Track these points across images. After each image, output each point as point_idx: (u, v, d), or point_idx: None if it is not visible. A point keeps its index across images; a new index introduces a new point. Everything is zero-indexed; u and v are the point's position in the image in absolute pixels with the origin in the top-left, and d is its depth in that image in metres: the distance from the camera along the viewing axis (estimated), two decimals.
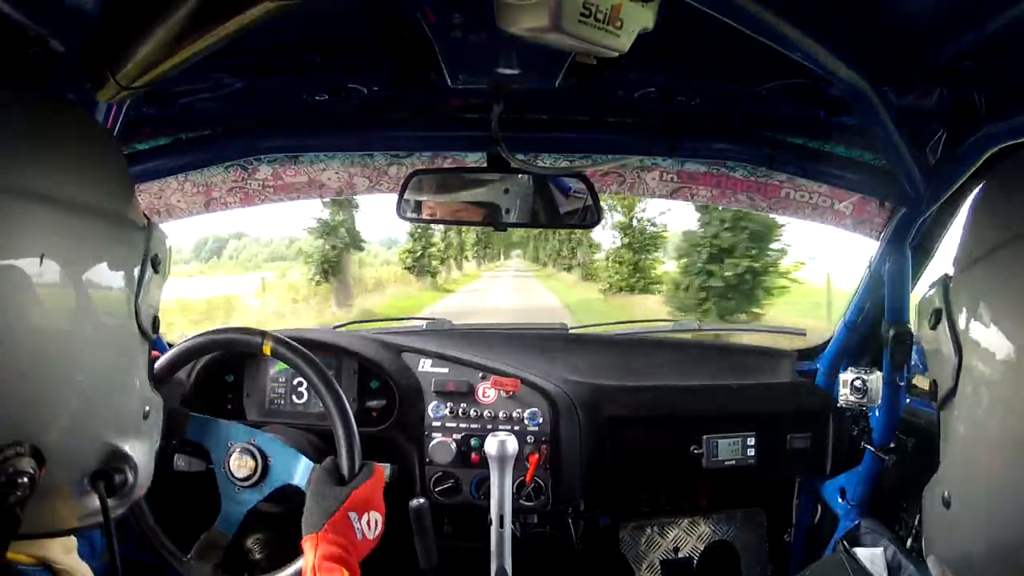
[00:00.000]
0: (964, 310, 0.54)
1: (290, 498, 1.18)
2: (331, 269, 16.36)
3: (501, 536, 1.20)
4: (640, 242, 17.99)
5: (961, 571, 0.56)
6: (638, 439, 1.51)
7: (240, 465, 1.16)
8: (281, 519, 1.23)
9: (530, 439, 1.41)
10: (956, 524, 0.56)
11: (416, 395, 1.45)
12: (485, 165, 1.29)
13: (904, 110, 0.92)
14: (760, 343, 1.90)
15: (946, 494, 0.56)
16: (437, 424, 1.44)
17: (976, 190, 0.61)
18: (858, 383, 1.45)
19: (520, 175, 1.25)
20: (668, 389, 1.59)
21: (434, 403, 1.44)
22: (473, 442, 1.42)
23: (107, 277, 0.58)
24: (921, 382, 1.44)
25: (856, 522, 1.48)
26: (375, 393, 1.49)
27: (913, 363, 1.35)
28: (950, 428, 0.56)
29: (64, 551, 0.63)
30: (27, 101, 0.57)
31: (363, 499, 1.02)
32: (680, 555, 1.69)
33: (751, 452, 1.53)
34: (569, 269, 30.22)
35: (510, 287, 26.24)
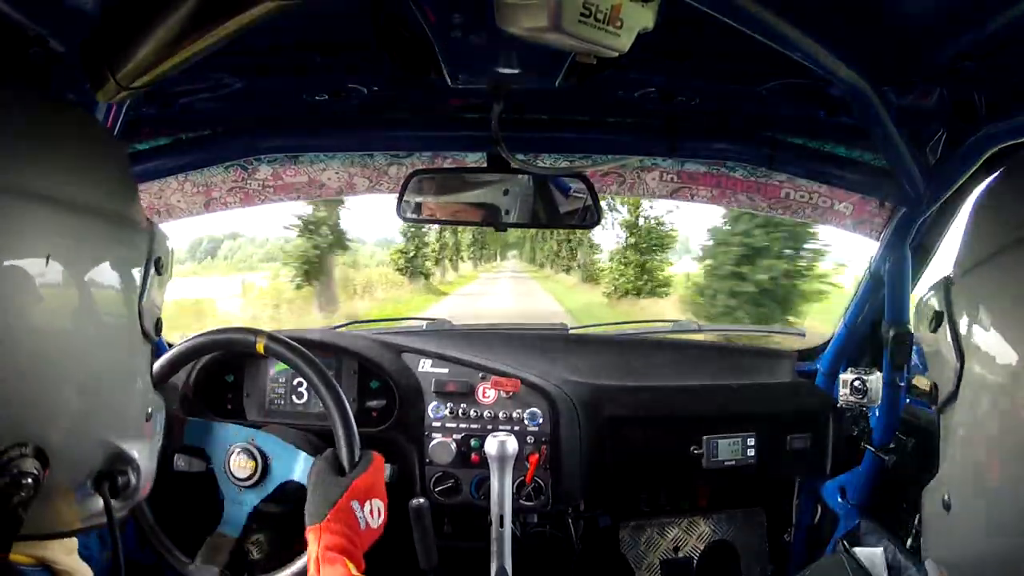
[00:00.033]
0: (966, 314, 0.54)
1: (290, 498, 1.19)
2: (312, 271, 14.87)
3: (501, 536, 1.20)
4: (647, 242, 16.94)
5: (959, 575, 0.56)
6: (638, 439, 1.51)
7: (240, 466, 1.17)
8: (281, 519, 1.23)
9: (530, 439, 1.41)
10: (955, 528, 0.55)
11: (416, 395, 1.45)
12: (485, 165, 1.29)
13: (904, 110, 0.92)
14: (760, 343, 1.90)
15: (946, 497, 0.55)
16: (437, 424, 1.44)
17: (977, 191, 0.61)
18: (858, 383, 1.45)
19: (520, 175, 1.25)
20: (668, 389, 1.59)
21: (434, 403, 1.44)
22: (473, 442, 1.41)
23: (110, 278, 0.58)
24: (921, 382, 1.44)
25: (856, 522, 1.48)
26: (375, 393, 1.49)
27: (913, 363, 1.35)
28: (950, 431, 0.56)
29: (65, 552, 0.63)
30: (27, 101, 0.57)
31: (365, 488, 1.02)
32: (680, 555, 1.69)
33: (751, 452, 1.52)
34: (568, 271, 29.40)
35: (508, 290, 25.21)
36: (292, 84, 1.12)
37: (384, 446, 1.10)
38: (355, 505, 0.99)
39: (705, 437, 1.51)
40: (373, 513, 1.01)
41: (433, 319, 1.91)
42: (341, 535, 0.95)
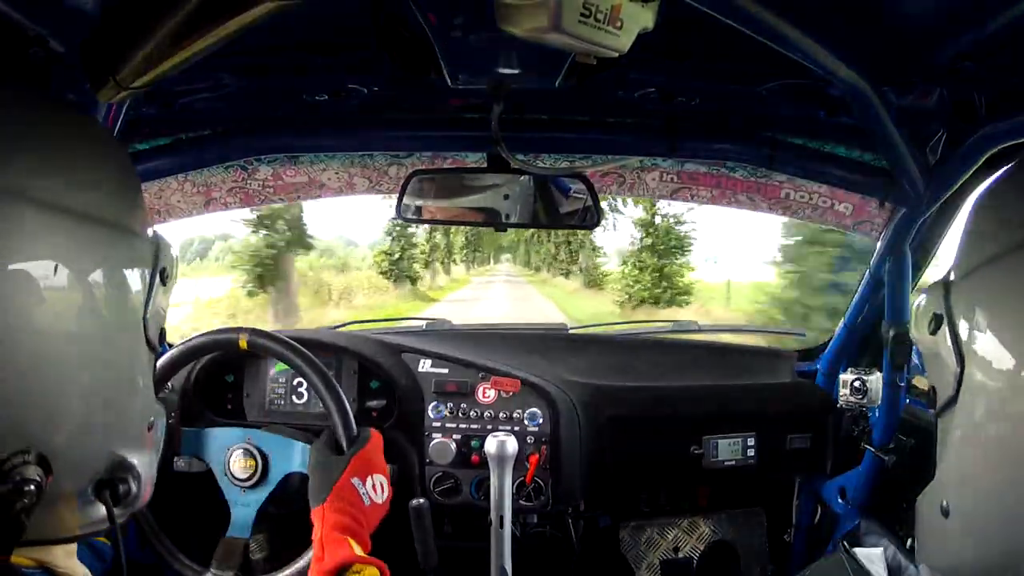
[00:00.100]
0: (967, 318, 0.53)
1: (290, 498, 1.19)
2: (267, 274, 12.50)
3: (501, 536, 1.20)
4: (664, 243, 15.10)
5: None
6: (638, 439, 1.51)
7: (241, 466, 1.17)
8: (281, 519, 1.24)
9: (530, 439, 1.41)
10: (954, 534, 0.55)
11: (416, 395, 1.45)
12: (485, 165, 1.29)
13: (904, 110, 0.92)
14: (760, 344, 1.90)
15: (944, 503, 0.55)
16: (437, 424, 1.43)
17: (977, 192, 0.61)
18: (858, 384, 1.46)
19: (520, 176, 1.25)
20: (668, 389, 1.59)
21: (434, 403, 1.44)
22: (473, 442, 1.41)
23: (114, 285, 0.58)
24: (921, 382, 1.44)
25: (856, 522, 1.48)
26: (375, 393, 1.49)
27: (913, 364, 1.35)
28: (949, 436, 0.55)
29: (65, 555, 0.63)
30: (27, 101, 0.57)
31: (364, 463, 1.02)
32: (680, 555, 1.69)
33: (751, 452, 1.53)
34: (567, 275, 27.83)
35: (503, 295, 22.96)
36: (292, 84, 1.12)
37: (384, 446, 1.11)
38: (356, 482, 0.99)
39: (705, 437, 1.51)
40: (376, 488, 1.00)
41: (433, 319, 1.91)
42: (345, 514, 0.95)
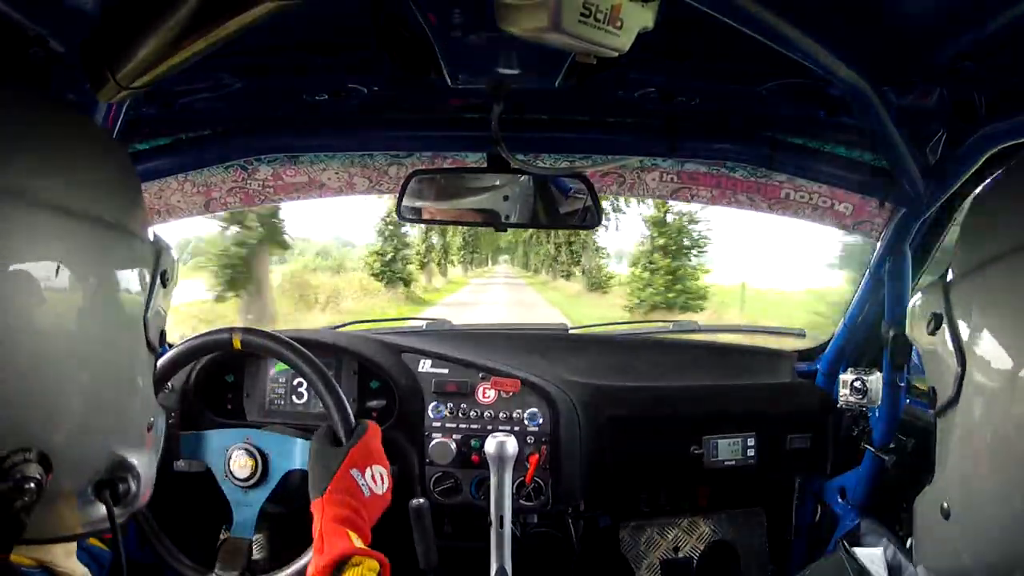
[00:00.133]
0: (968, 317, 0.52)
1: (291, 495, 1.19)
2: (238, 276, 11.03)
3: (501, 536, 1.20)
4: (677, 243, 13.87)
5: None
6: (638, 439, 1.51)
7: (241, 466, 1.17)
8: (282, 519, 1.24)
9: (530, 439, 1.41)
10: (954, 535, 0.54)
11: (416, 395, 1.45)
12: (485, 165, 1.29)
13: (904, 110, 0.92)
14: (760, 344, 1.90)
15: (945, 505, 0.54)
16: (437, 424, 1.43)
17: (977, 191, 0.61)
18: (858, 384, 1.45)
19: (520, 176, 1.25)
20: (668, 389, 1.59)
21: (434, 403, 1.44)
22: (473, 442, 1.41)
23: (115, 286, 0.59)
24: (921, 382, 1.44)
25: (856, 522, 1.48)
26: (375, 393, 1.49)
27: (913, 364, 1.35)
28: (949, 437, 0.55)
29: (64, 554, 0.63)
30: (27, 101, 0.57)
31: (362, 454, 1.02)
32: (680, 555, 1.69)
33: (751, 452, 1.53)
34: (568, 277, 26.39)
35: (503, 299, 21.34)
36: (292, 84, 1.12)
37: (384, 446, 1.11)
38: (355, 473, 0.99)
39: (705, 437, 1.51)
40: (376, 479, 1.00)
41: (433, 319, 1.91)
42: (345, 506, 0.94)
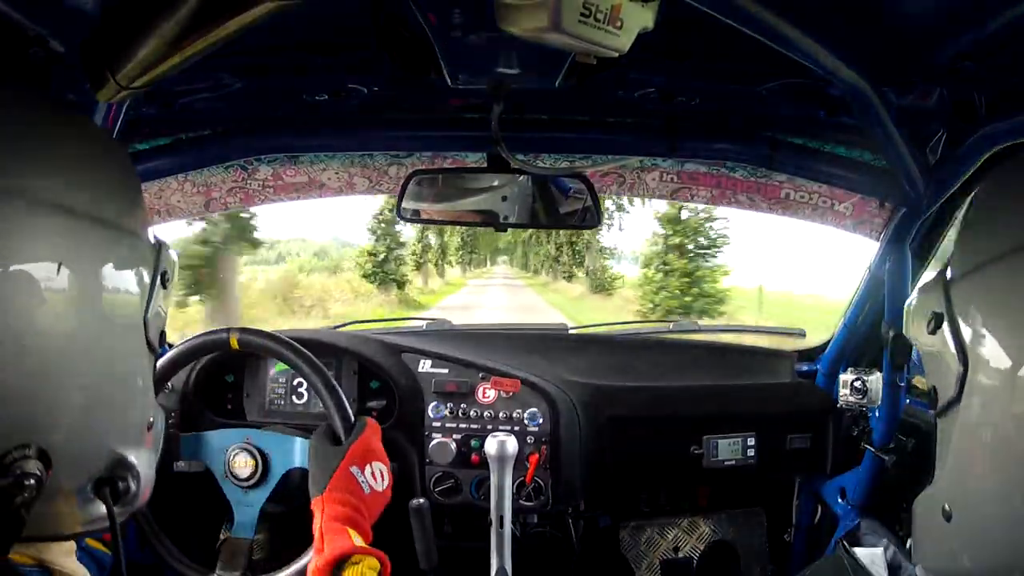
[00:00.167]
0: (971, 317, 0.52)
1: (291, 494, 1.19)
2: (201, 279, 9.96)
3: (501, 536, 1.20)
4: (695, 243, 12.85)
5: None
6: (638, 439, 1.51)
7: (241, 465, 1.17)
8: (282, 519, 1.24)
9: (530, 439, 1.41)
10: (957, 538, 0.54)
11: (416, 395, 1.45)
12: (485, 165, 1.29)
13: (904, 110, 0.92)
14: (760, 344, 1.90)
15: (947, 507, 0.54)
16: (437, 424, 1.43)
17: (977, 191, 0.61)
18: (858, 384, 1.45)
19: (520, 176, 1.25)
20: (668, 389, 1.59)
21: (434, 403, 1.44)
22: (473, 442, 1.41)
23: (116, 286, 0.59)
24: (921, 382, 1.43)
25: (856, 522, 1.48)
26: (375, 393, 1.49)
27: (913, 363, 1.35)
28: (950, 438, 0.54)
29: (64, 554, 0.63)
30: (27, 101, 0.57)
31: (362, 452, 1.02)
32: (680, 555, 1.69)
33: (751, 452, 1.53)
34: (570, 278, 25.49)
35: (502, 302, 20.06)
36: (292, 84, 1.12)
37: (384, 446, 1.11)
38: (355, 470, 0.99)
39: (705, 437, 1.51)
40: (376, 476, 1.00)
41: (433, 319, 1.91)
42: (345, 504, 0.95)
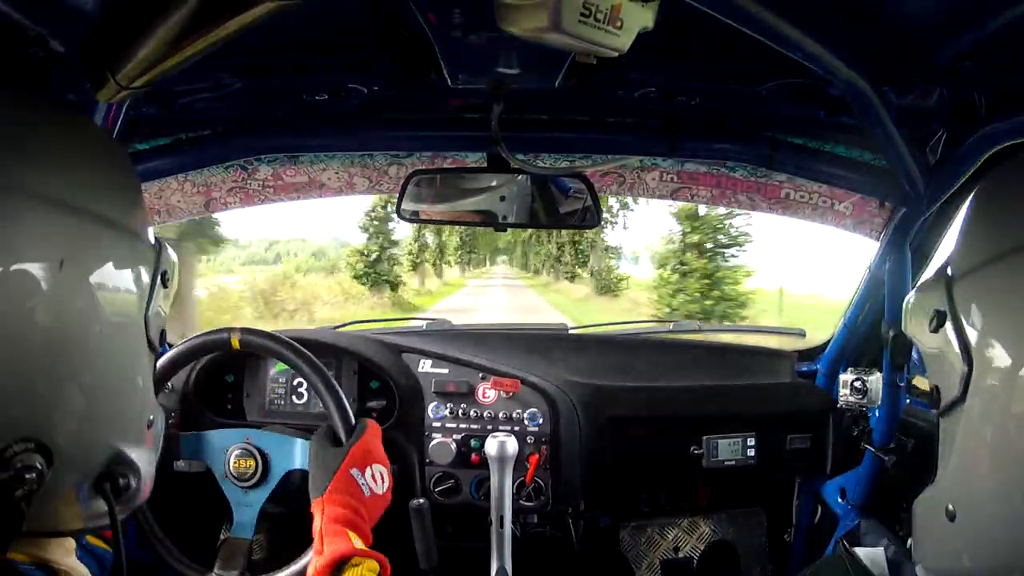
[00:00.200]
0: (974, 316, 0.52)
1: (291, 495, 1.19)
2: None
3: (501, 536, 1.20)
4: (714, 240, 11.83)
5: None
6: (638, 439, 1.51)
7: (241, 466, 1.17)
8: (281, 519, 1.24)
9: (530, 439, 1.41)
10: (960, 538, 0.54)
11: (416, 395, 1.45)
12: (485, 165, 1.29)
13: (904, 110, 0.92)
14: (760, 344, 1.90)
15: (950, 507, 0.54)
16: (437, 424, 1.43)
17: (977, 191, 0.61)
18: (858, 384, 1.45)
19: (520, 175, 1.25)
20: (668, 389, 1.59)
21: (434, 403, 1.44)
22: (473, 443, 1.41)
23: (117, 285, 0.59)
24: (921, 382, 1.43)
25: (856, 522, 1.48)
26: (375, 393, 1.49)
27: (913, 363, 1.35)
28: (954, 437, 0.54)
29: (64, 553, 0.63)
30: (27, 101, 0.57)
31: (362, 454, 1.02)
32: (680, 555, 1.69)
33: (751, 452, 1.52)
34: (573, 278, 24.58)
35: (503, 304, 18.94)
36: (292, 84, 1.12)
37: (384, 446, 1.11)
38: (355, 473, 0.99)
39: (705, 437, 1.51)
40: (376, 479, 1.00)
41: (433, 319, 1.91)
42: (345, 506, 0.95)
